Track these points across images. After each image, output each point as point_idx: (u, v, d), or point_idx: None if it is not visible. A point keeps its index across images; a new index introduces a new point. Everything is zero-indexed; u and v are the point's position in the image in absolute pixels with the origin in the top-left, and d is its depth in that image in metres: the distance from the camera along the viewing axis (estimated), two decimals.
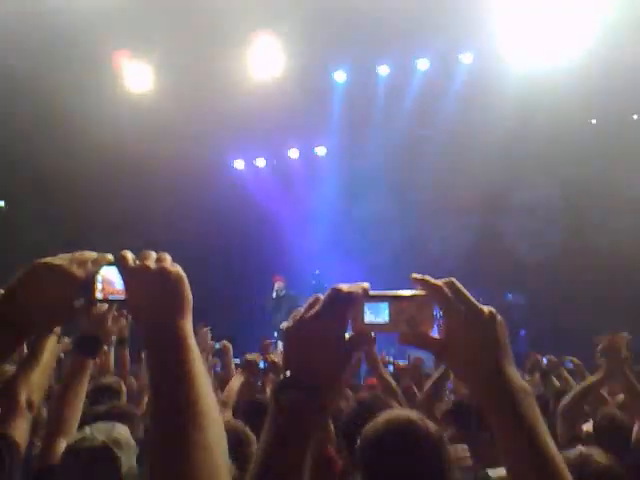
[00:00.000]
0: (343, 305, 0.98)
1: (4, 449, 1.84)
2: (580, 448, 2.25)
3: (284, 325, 10.79)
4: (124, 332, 4.15)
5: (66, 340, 4.40)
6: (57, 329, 1.92)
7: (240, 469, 1.98)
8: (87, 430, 2.09)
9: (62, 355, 4.19)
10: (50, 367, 2.07)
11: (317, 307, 0.98)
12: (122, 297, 1.13)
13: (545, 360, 5.26)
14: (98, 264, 1.14)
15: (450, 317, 0.97)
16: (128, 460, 2.12)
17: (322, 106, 11.77)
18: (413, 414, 1.84)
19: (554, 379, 4.93)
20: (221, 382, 4.66)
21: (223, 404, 3.68)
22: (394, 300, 1.00)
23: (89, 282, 1.14)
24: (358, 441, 1.81)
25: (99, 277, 1.15)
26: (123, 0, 8.58)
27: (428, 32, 9.69)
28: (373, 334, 1.01)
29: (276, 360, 4.44)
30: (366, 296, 1.00)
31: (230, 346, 5.14)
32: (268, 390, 4.51)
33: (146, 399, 3.93)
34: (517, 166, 11.83)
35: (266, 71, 10.34)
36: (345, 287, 0.98)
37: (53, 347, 2.04)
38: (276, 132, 12.16)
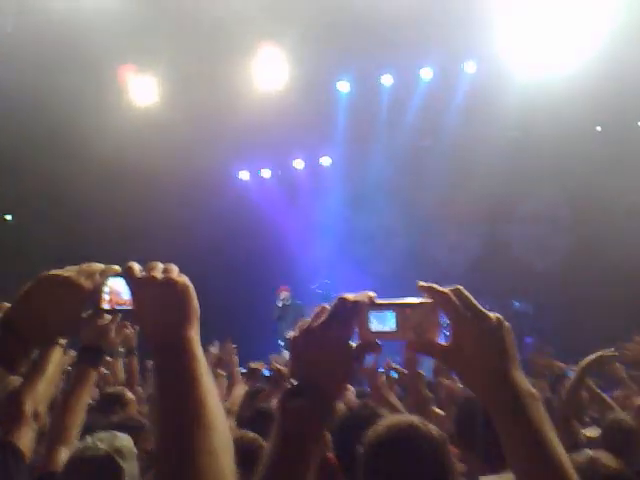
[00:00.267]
0: (349, 314, 0.99)
1: (10, 458, 1.85)
2: (588, 452, 2.23)
3: (290, 334, 10.76)
4: (132, 342, 4.16)
5: (72, 353, 4.41)
6: (62, 341, 1.93)
7: None
8: (89, 440, 2.09)
9: (69, 368, 4.20)
10: (56, 378, 2.08)
11: (323, 316, 0.99)
12: (129, 307, 1.14)
13: (570, 373, 5.22)
14: (105, 275, 1.16)
15: (457, 324, 0.98)
16: (131, 470, 2.12)
17: (326, 117, 11.80)
18: (415, 418, 1.83)
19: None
20: (225, 391, 4.66)
21: (227, 412, 3.68)
22: (400, 308, 1.00)
23: (96, 293, 1.15)
24: (358, 447, 1.80)
25: (106, 288, 1.16)
26: (128, 13, 8.66)
27: (431, 42, 9.72)
28: (380, 342, 1.02)
29: (281, 368, 4.44)
30: (372, 304, 1.00)
31: (235, 355, 5.14)
32: (273, 398, 4.51)
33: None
34: (522, 175, 11.82)
35: (270, 82, 10.39)
36: (351, 296, 1.00)
37: (59, 358, 2.05)
38: (281, 143, 12.20)
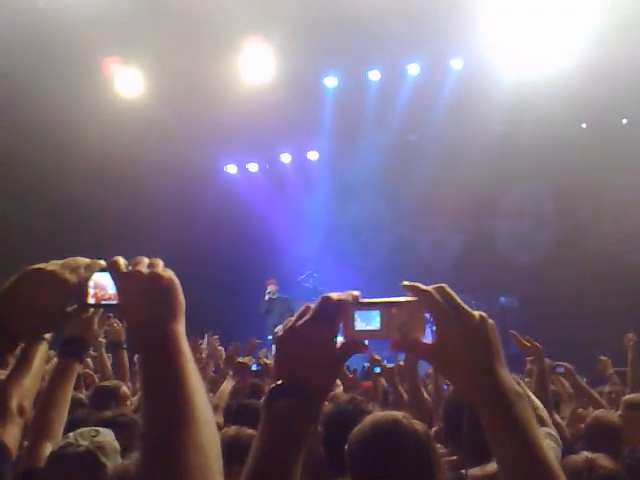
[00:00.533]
0: (333, 313, 0.98)
1: None
2: (586, 453, 2.28)
3: (277, 331, 10.77)
4: (120, 336, 4.14)
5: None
6: (48, 336, 1.91)
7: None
8: (71, 436, 2.07)
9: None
10: (41, 373, 2.07)
11: (307, 315, 0.99)
12: (114, 302, 1.14)
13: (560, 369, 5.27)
14: (90, 270, 1.16)
15: (441, 322, 0.98)
16: (113, 465, 2.11)
17: (314, 111, 11.79)
18: (399, 414, 1.84)
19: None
20: (213, 385, 4.67)
21: (214, 407, 3.67)
22: (385, 307, 1.00)
23: (81, 287, 1.15)
24: (346, 446, 1.81)
25: (91, 282, 1.16)
26: (113, 6, 8.58)
27: (418, 38, 9.74)
28: (366, 341, 1.02)
29: (269, 363, 4.44)
30: (357, 304, 1.00)
31: (223, 350, 5.16)
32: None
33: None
34: (508, 171, 11.90)
35: (258, 77, 10.36)
36: (335, 295, 0.99)
37: (44, 353, 2.03)
38: (268, 137, 12.18)
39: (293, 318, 1.01)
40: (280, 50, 9.96)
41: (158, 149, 10.70)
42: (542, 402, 2.82)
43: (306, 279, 12.18)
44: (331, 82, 11.71)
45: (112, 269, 1.12)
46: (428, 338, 0.99)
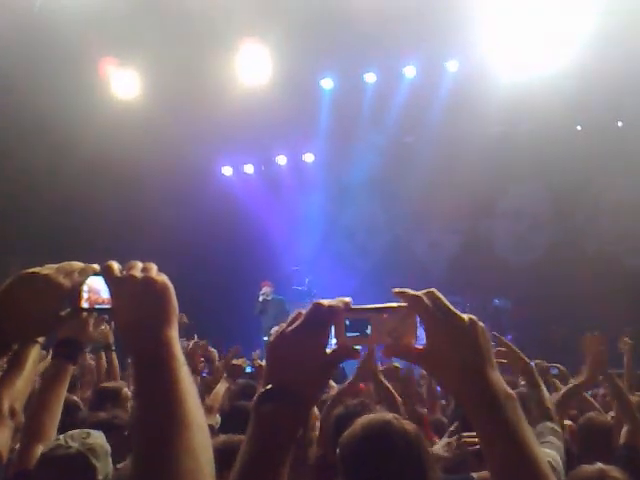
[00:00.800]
0: (324, 319, 0.99)
1: None
2: (599, 465, 2.29)
3: (270, 336, 10.83)
4: (108, 338, 4.13)
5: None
6: (41, 339, 1.91)
7: None
8: (61, 438, 2.06)
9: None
10: (33, 375, 2.06)
11: (299, 321, 0.99)
12: (108, 306, 1.14)
13: (532, 364, 5.27)
14: (84, 274, 1.16)
15: (430, 326, 0.98)
16: (104, 468, 2.09)
17: (310, 113, 11.81)
18: (389, 416, 1.84)
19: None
20: (207, 387, 4.66)
21: (209, 409, 3.67)
22: (376, 313, 1.01)
23: (75, 291, 1.15)
24: (337, 450, 1.81)
25: (85, 287, 1.16)
26: (110, 7, 8.57)
27: (415, 40, 9.77)
28: (358, 347, 1.03)
29: (263, 364, 4.43)
30: (348, 310, 1.01)
31: (215, 352, 5.14)
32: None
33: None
34: (503, 172, 11.94)
35: (254, 78, 10.36)
36: (326, 302, 1.00)
37: (36, 356, 2.03)
38: (264, 139, 12.19)
39: (285, 324, 1.01)
40: (277, 51, 9.97)
41: (154, 150, 10.69)
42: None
43: (300, 283, 12.19)
44: (327, 84, 11.73)
45: (106, 273, 1.12)
46: (420, 343, 1.00)
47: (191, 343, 4.75)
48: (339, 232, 13.18)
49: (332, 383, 4.26)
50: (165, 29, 8.92)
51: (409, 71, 11.33)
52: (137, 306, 1.07)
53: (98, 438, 2.16)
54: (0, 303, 1.10)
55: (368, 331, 1.01)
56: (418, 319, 0.99)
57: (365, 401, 2.51)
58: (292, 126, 11.72)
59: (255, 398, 0.98)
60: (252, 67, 10.22)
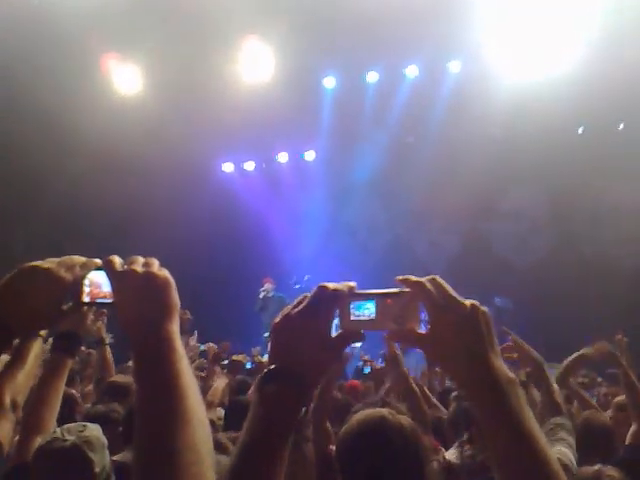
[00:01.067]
0: (328, 302, 1.00)
1: None
2: (599, 465, 2.32)
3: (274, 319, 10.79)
4: (102, 332, 4.15)
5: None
6: (42, 332, 1.91)
7: None
8: (57, 431, 2.06)
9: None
10: (35, 369, 2.06)
11: (303, 304, 1.01)
12: (109, 300, 1.14)
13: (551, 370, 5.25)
14: (86, 268, 1.16)
15: (432, 312, 0.99)
16: (101, 460, 2.10)
17: (311, 111, 11.79)
18: (384, 411, 1.82)
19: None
20: (206, 383, 4.67)
21: (208, 405, 3.68)
22: (380, 298, 1.01)
23: (77, 285, 1.15)
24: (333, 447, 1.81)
25: (87, 281, 1.17)
26: (112, 3, 8.56)
27: (417, 40, 9.75)
28: (362, 332, 1.03)
29: (263, 361, 4.44)
30: (353, 294, 1.02)
31: (215, 347, 5.15)
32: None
33: None
34: (505, 173, 11.92)
35: (256, 75, 10.35)
36: (331, 285, 1.01)
37: (38, 349, 2.03)
38: (266, 136, 12.16)
39: (290, 306, 1.02)
40: (279, 49, 9.96)
41: (154, 146, 10.67)
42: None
43: (298, 281, 12.19)
44: (330, 82, 11.71)
45: (107, 268, 1.12)
46: (422, 329, 1.00)
47: (192, 340, 4.76)
48: (340, 230, 13.17)
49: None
50: (168, 26, 8.91)
51: (411, 71, 11.32)
52: (138, 301, 1.08)
53: (94, 431, 2.16)
54: (1, 297, 1.10)
55: (372, 316, 1.01)
56: (421, 305, 1.00)
57: (386, 399, 2.49)
58: (294, 124, 11.70)
59: (259, 377, 1.00)
60: (254, 64, 10.21)
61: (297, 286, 12.11)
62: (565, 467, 2.06)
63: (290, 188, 13.57)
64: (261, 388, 0.98)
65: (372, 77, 11.54)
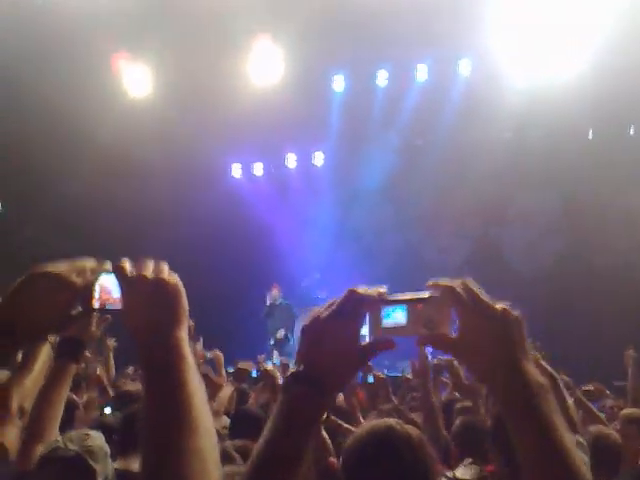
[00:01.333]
0: (358, 307, 0.99)
1: None
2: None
3: (274, 339, 10.87)
4: (105, 338, 4.14)
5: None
6: (51, 337, 1.90)
7: None
8: (60, 439, 2.05)
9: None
10: (42, 374, 2.05)
11: (333, 308, 0.99)
12: (119, 306, 1.13)
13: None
14: (96, 273, 1.15)
15: (463, 317, 0.98)
16: (104, 469, 2.09)
17: (321, 113, 11.80)
18: (391, 421, 1.81)
19: None
20: (213, 391, 4.66)
21: (214, 413, 3.66)
22: (411, 303, 1.00)
23: (87, 291, 1.14)
24: (340, 459, 1.79)
25: (97, 286, 1.15)
26: (122, 4, 8.60)
27: (427, 42, 9.75)
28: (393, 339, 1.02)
29: (269, 369, 4.42)
30: (383, 300, 1.00)
31: (221, 355, 5.13)
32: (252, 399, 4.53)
33: None
34: (514, 178, 11.86)
35: (265, 77, 10.36)
36: (362, 290, 1.00)
37: (46, 355, 2.02)
38: (274, 138, 12.16)
39: (320, 308, 1.01)
40: (288, 51, 9.98)
41: (163, 150, 10.71)
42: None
43: (307, 281, 12.21)
44: (339, 85, 11.70)
45: (118, 273, 1.11)
46: (453, 334, 0.99)
47: (198, 345, 4.74)
48: (348, 235, 13.14)
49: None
50: (178, 27, 8.95)
51: (421, 74, 11.29)
52: (148, 307, 1.07)
53: (97, 439, 2.15)
54: (11, 302, 1.09)
55: (403, 321, 0.99)
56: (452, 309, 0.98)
57: (400, 408, 2.46)
58: (302, 126, 11.71)
59: (287, 377, 1.01)
60: (264, 66, 10.22)
61: (302, 284, 12.11)
62: None
63: (298, 193, 13.55)
64: (289, 388, 0.98)
65: (381, 80, 11.52)
